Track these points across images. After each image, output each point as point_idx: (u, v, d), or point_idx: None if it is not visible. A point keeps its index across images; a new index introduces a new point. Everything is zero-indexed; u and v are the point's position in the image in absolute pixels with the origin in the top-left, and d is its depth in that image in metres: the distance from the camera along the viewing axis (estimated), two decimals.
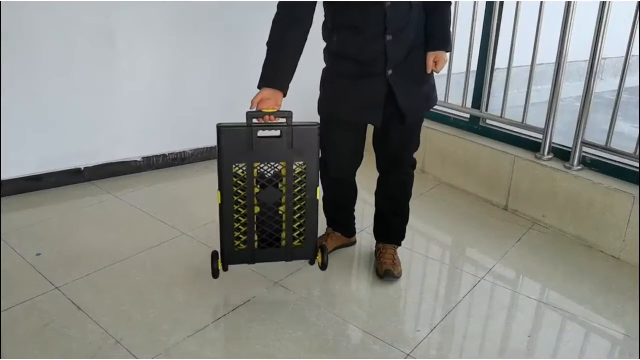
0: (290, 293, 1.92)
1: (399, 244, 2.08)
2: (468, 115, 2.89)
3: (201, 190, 2.77)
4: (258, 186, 1.71)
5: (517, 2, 2.53)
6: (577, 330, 1.82)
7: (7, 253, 2.10)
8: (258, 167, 1.70)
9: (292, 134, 1.66)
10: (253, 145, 1.65)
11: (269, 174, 1.73)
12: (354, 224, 2.20)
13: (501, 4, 2.61)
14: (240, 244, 1.76)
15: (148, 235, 2.27)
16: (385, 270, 1.98)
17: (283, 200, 1.73)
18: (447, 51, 1.78)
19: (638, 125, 2.99)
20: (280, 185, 1.72)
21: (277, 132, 1.68)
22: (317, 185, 1.74)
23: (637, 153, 2.20)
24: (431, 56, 1.75)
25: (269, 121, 1.66)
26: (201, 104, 3.01)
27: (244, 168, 1.68)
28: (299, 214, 1.75)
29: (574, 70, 4.34)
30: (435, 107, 3.02)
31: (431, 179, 2.98)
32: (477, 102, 2.82)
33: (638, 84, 3.08)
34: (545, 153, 2.50)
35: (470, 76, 2.82)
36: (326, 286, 1.99)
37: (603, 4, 2.18)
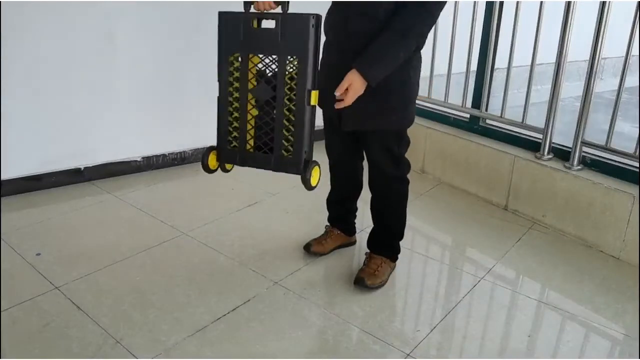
0: (290, 293, 1.92)
1: (389, 257, 2.01)
2: (468, 115, 2.89)
3: (201, 190, 2.77)
4: (254, 81, 1.63)
5: (517, 2, 2.53)
6: (577, 330, 1.82)
7: (7, 253, 2.10)
8: (258, 65, 1.63)
9: (283, 23, 1.54)
10: (247, 34, 1.58)
11: (269, 74, 1.63)
12: (354, 223, 2.20)
13: (501, 4, 2.61)
14: (235, 143, 1.70)
15: (148, 235, 2.27)
16: (357, 278, 1.93)
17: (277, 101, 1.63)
18: (364, 78, 1.60)
19: (638, 125, 2.99)
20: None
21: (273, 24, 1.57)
22: (312, 89, 1.57)
23: (637, 153, 2.20)
24: (348, 75, 1.62)
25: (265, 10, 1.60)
26: (201, 104, 3.00)
27: (239, 59, 1.62)
28: (292, 122, 1.61)
29: (574, 70, 4.34)
30: (435, 107, 3.05)
31: (431, 179, 2.98)
32: (477, 102, 2.82)
33: (638, 84, 3.08)
34: (545, 153, 2.50)
35: (470, 76, 2.82)
36: (326, 286, 1.99)
37: (603, 4, 2.18)
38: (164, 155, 3.01)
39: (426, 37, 1.71)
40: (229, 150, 1.71)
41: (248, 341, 1.68)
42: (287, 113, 1.62)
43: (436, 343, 1.72)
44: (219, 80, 1.66)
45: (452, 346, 1.71)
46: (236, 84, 1.65)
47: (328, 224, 2.21)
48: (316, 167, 1.66)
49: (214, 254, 2.15)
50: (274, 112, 1.64)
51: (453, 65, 2.88)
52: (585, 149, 2.39)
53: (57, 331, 1.68)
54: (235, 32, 1.60)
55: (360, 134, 1.86)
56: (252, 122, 1.68)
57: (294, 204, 2.62)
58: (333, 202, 2.17)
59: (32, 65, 2.47)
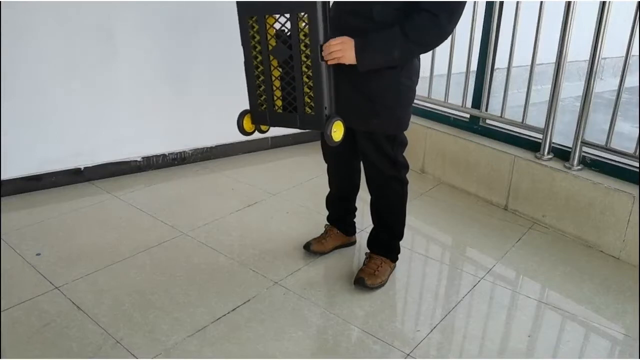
0: (290, 293, 1.92)
1: (389, 258, 2.02)
2: (468, 115, 2.89)
3: (201, 190, 2.77)
4: (274, 42, 1.64)
5: (517, 2, 2.53)
6: (577, 330, 1.82)
7: (7, 253, 2.10)
8: (274, 25, 1.63)
9: None
10: None
11: (287, 33, 1.63)
12: (354, 223, 2.21)
13: (501, 4, 2.61)
14: (264, 104, 1.73)
15: (148, 235, 2.28)
16: (357, 278, 1.94)
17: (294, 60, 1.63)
18: (357, 57, 1.59)
19: (638, 125, 2.99)
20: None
21: None
22: (324, 43, 1.58)
23: (637, 153, 2.20)
24: (340, 38, 1.59)
25: None
26: (201, 104, 3.01)
27: (258, 21, 1.62)
28: (311, 80, 1.63)
29: (574, 70, 4.35)
30: (435, 107, 3.05)
31: (431, 179, 2.98)
32: (477, 102, 2.82)
33: (638, 84, 3.08)
34: (545, 153, 2.50)
35: (470, 76, 2.82)
36: (326, 286, 1.99)
37: (603, 4, 2.18)
38: (164, 155, 3.01)
39: (435, 46, 1.71)
40: (260, 112, 1.75)
41: (248, 341, 1.68)
42: (306, 70, 1.62)
43: (436, 343, 1.72)
44: (242, 45, 1.67)
45: (452, 346, 1.71)
46: (258, 47, 1.66)
47: (328, 223, 2.21)
48: (338, 122, 1.66)
49: (214, 254, 2.15)
50: (294, 71, 1.64)
51: (453, 65, 2.88)
52: (585, 149, 2.38)
53: (57, 331, 1.68)
54: None
55: (355, 133, 1.86)
56: (277, 82, 1.69)
57: (294, 204, 2.62)
58: (332, 201, 2.17)
59: (32, 65, 2.47)
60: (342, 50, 1.59)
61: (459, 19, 1.63)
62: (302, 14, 1.56)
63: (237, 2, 1.64)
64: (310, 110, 1.66)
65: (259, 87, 1.72)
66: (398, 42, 1.60)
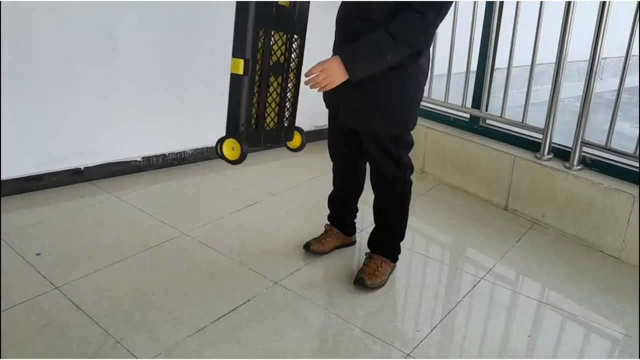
0: (290, 293, 1.92)
1: (389, 258, 2.01)
2: (468, 115, 2.90)
3: (201, 190, 2.77)
4: (274, 59, 1.63)
5: (517, 2, 2.53)
6: (577, 330, 1.82)
7: (7, 253, 2.10)
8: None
9: (300, 3, 1.63)
10: (277, 10, 1.57)
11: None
12: (354, 223, 2.20)
13: (501, 4, 2.61)
14: (251, 122, 1.63)
15: (148, 235, 2.28)
16: (357, 278, 1.93)
17: (280, 79, 1.67)
18: (346, 69, 1.60)
19: (638, 125, 2.99)
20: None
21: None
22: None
23: (637, 153, 2.20)
24: (319, 66, 1.62)
25: None
26: (201, 104, 3.01)
27: (265, 34, 1.58)
28: (293, 96, 1.73)
29: (574, 70, 4.35)
30: (435, 107, 3.05)
31: (431, 179, 2.98)
32: (477, 102, 2.82)
33: (638, 84, 3.08)
34: (545, 153, 2.50)
35: (470, 76, 2.82)
36: (326, 286, 1.99)
37: (603, 4, 2.18)
38: (164, 155, 3.01)
39: (422, 45, 1.70)
40: (253, 133, 1.63)
41: (248, 341, 1.68)
42: (290, 87, 1.69)
43: (436, 343, 1.72)
44: (240, 57, 1.53)
45: (452, 346, 1.71)
46: (259, 64, 1.60)
47: (328, 223, 2.21)
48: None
49: (214, 254, 2.15)
50: (278, 87, 1.67)
51: (453, 65, 2.88)
52: (585, 149, 2.39)
53: (57, 331, 1.68)
54: (263, 8, 1.53)
55: (359, 133, 1.86)
56: (270, 99, 1.69)
57: (294, 204, 2.63)
58: (334, 201, 2.17)
59: (32, 65, 2.47)
60: (329, 77, 1.61)
61: (444, 17, 1.64)
62: (296, 36, 1.64)
63: (241, 3, 1.50)
64: (286, 125, 1.76)
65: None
66: (387, 46, 1.59)
